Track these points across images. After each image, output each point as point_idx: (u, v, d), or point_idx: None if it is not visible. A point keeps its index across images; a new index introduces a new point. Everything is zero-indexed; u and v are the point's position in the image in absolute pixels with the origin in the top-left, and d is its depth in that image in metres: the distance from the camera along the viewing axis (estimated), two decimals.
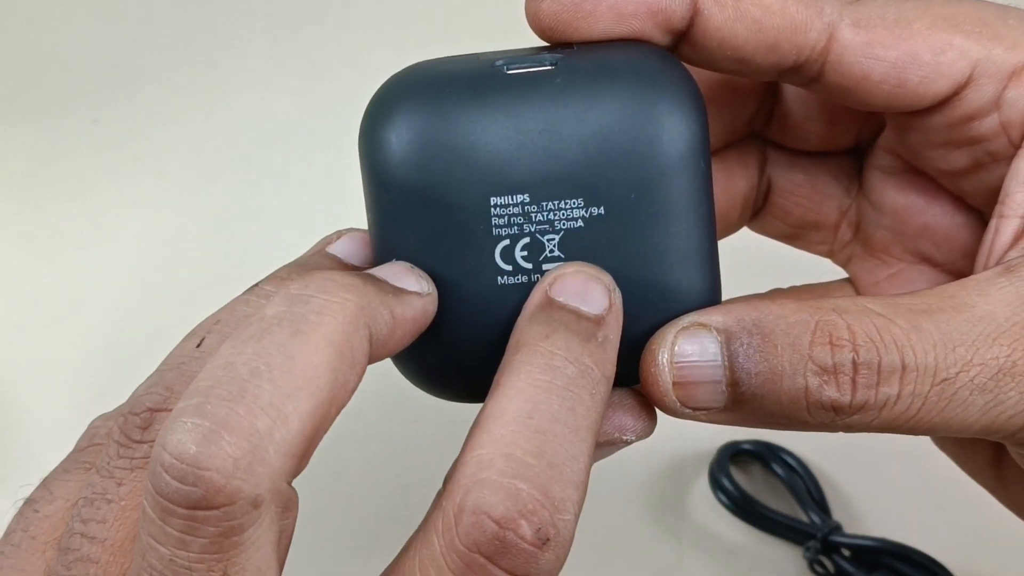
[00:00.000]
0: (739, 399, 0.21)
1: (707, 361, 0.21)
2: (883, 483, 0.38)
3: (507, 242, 0.21)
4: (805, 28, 0.22)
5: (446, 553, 0.18)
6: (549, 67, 0.21)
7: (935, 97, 0.23)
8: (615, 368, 0.20)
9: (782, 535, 0.36)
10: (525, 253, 0.21)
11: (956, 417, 0.20)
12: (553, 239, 0.21)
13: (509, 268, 0.21)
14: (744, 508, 0.36)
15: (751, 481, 0.38)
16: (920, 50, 0.22)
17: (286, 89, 0.45)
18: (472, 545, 0.18)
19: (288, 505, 0.19)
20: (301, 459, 0.18)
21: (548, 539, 0.18)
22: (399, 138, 0.22)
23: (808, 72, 0.23)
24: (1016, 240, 0.22)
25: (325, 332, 0.19)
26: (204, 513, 0.17)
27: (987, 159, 0.23)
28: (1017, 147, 0.23)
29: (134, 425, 0.20)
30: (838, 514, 0.37)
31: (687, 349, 0.21)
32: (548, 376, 0.19)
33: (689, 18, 0.22)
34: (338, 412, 0.19)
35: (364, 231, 0.24)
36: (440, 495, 0.19)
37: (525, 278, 0.21)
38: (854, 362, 0.20)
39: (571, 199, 0.21)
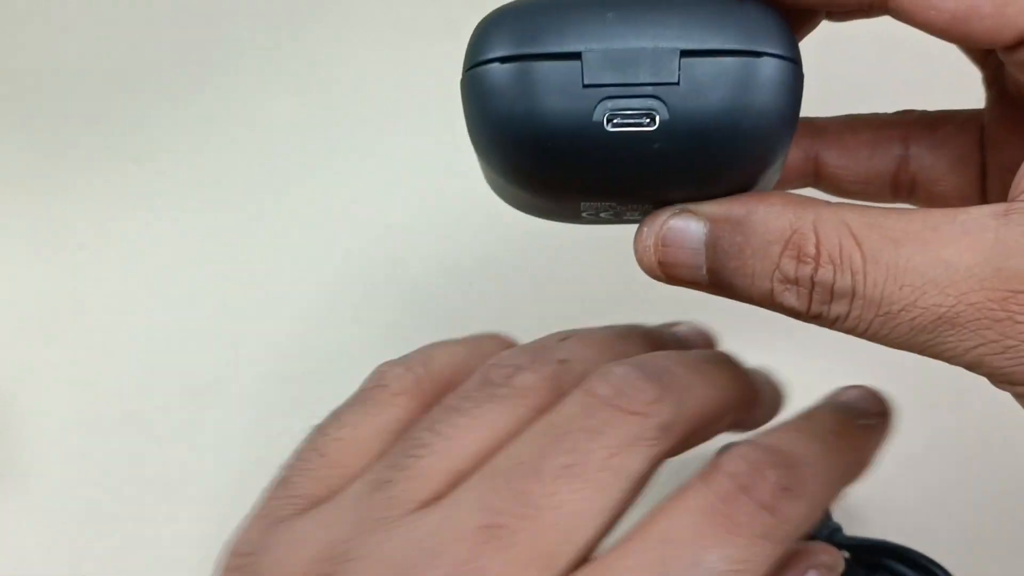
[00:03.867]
0: (718, 283, 0.23)
1: (690, 245, 0.23)
2: (883, 485, 0.38)
3: None
4: None
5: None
6: (649, 127, 0.21)
7: (1001, 44, 0.22)
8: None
9: None
10: None
11: (901, 344, 0.22)
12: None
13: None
14: None
15: None
16: (982, 2, 0.22)
17: (287, 91, 0.44)
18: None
19: None
20: None
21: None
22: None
23: (879, 12, 0.23)
24: None
25: None
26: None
27: None
28: None
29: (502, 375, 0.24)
30: (838, 515, 0.37)
31: (674, 233, 0.23)
32: None
33: None
34: None
35: None
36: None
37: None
38: (812, 279, 0.22)
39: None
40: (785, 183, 0.29)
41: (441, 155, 0.43)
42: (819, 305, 0.22)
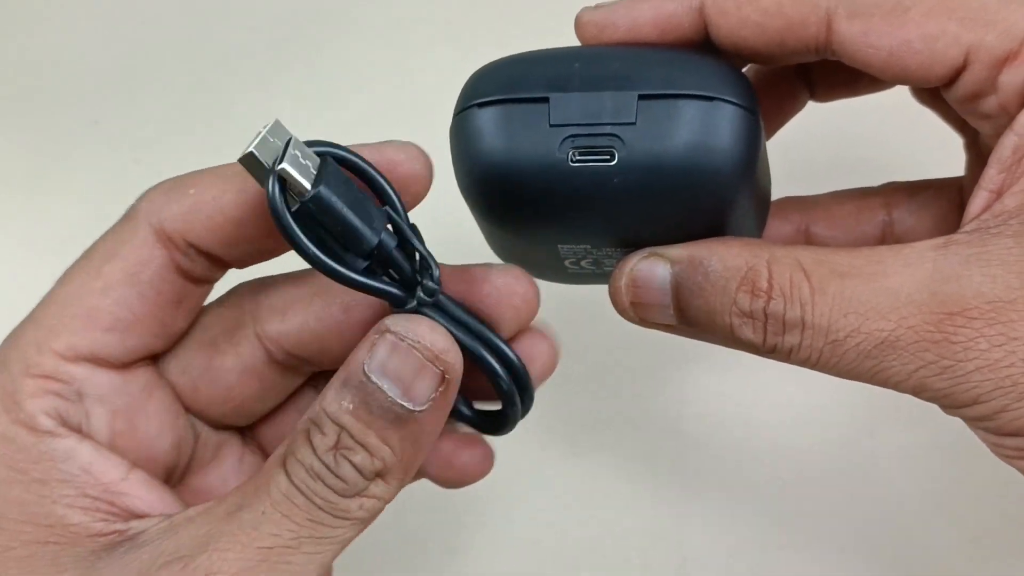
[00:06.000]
0: (685, 321, 0.24)
1: (657, 286, 0.24)
2: (886, 486, 0.38)
3: None
4: (803, 24, 0.24)
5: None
6: (609, 162, 0.23)
7: (937, 79, 0.24)
8: None
9: None
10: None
11: (851, 372, 0.23)
12: None
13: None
14: None
15: None
16: (913, 38, 0.23)
17: (287, 91, 0.45)
18: None
19: None
20: None
21: None
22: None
23: (826, 55, 0.25)
24: (980, 212, 0.24)
25: None
26: None
27: (1003, 130, 0.24)
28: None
29: None
30: (842, 514, 0.37)
31: (642, 275, 0.24)
32: None
33: (700, 27, 0.25)
34: None
35: None
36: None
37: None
38: (764, 311, 0.23)
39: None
40: None
41: (441, 156, 0.43)
42: (773, 337, 0.23)
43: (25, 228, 0.43)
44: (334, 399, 0.22)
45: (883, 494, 0.37)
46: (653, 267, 0.24)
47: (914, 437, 0.38)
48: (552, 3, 0.46)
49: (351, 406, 0.22)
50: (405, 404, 0.22)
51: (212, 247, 0.25)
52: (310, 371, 0.28)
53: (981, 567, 0.36)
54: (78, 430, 0.24)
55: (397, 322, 0.23)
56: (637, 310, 0.25)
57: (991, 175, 0.24)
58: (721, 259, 0.24)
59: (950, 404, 0.23)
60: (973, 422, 0.23)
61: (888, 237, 0.30)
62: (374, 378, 0.22)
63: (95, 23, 0.46)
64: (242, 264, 0.26)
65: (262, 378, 0.27)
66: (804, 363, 0.23)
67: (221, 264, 0.26)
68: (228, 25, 0.46)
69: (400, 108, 0.44)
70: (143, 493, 0.24)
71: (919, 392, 0.23)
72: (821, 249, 0.24)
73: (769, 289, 0.23)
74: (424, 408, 0.22)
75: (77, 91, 0.45)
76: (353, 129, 0.45)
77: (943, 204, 0.29)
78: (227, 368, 0.26)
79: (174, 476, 0.27)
